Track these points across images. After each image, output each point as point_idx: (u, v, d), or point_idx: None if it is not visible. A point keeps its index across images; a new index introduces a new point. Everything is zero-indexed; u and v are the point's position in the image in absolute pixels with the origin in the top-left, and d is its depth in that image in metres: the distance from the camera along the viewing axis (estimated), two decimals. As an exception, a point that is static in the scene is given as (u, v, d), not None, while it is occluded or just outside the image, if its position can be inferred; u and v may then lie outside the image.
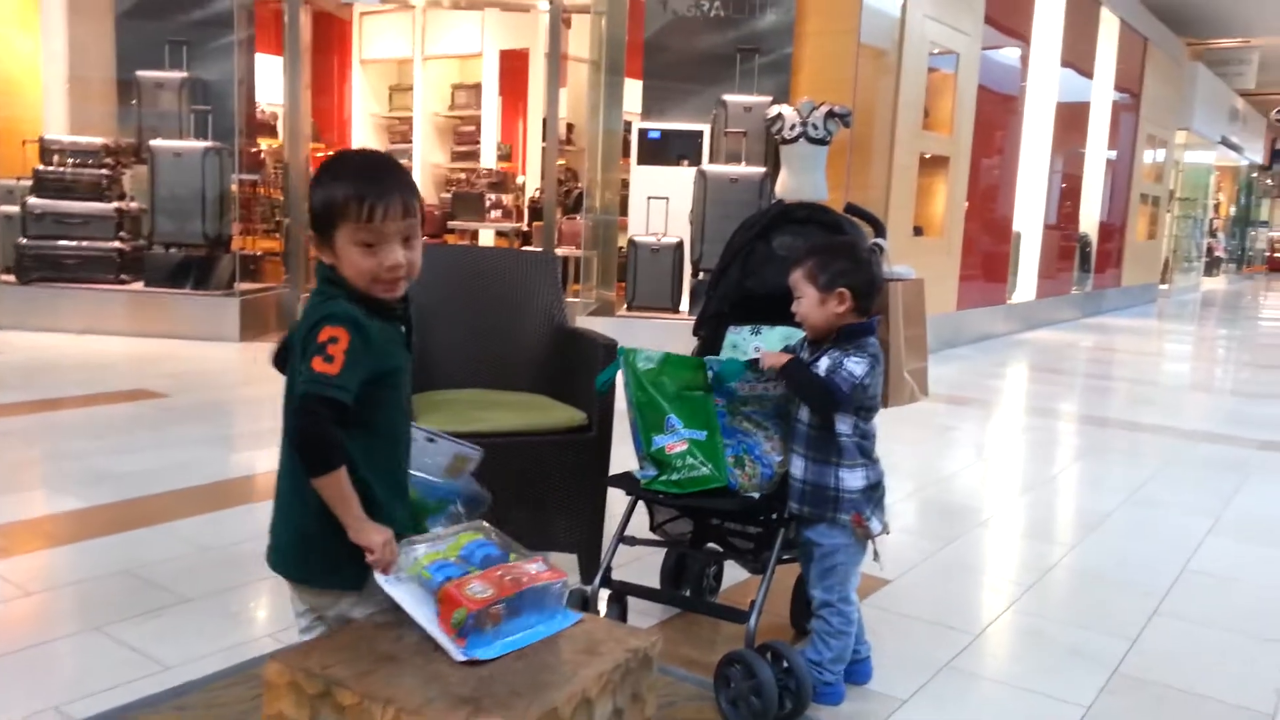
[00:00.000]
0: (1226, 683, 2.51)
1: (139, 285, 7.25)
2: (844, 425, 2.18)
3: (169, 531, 3.19)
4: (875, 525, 2.18)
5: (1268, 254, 30.55)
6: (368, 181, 1.54)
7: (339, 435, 1.53)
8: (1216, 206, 23.43)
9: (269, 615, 2.66)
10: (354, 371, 1.52)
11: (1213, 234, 22.89)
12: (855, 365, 2.13)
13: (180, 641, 2.42)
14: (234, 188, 7.36)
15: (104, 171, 7.29)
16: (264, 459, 4.26)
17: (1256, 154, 24.24)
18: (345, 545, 1.56)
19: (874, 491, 2.21)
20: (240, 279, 7.33)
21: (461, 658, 1.49)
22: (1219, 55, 17.55)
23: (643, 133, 7.36)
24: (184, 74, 7.32)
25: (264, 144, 8.93)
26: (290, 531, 1.66)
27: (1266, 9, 14.57)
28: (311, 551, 1.63)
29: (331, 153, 1.90)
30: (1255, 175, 27.07)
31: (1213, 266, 22.98)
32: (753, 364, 2.24)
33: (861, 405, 2.18)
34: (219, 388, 5.64)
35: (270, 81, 8.62)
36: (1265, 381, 8.18)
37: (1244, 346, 11.00)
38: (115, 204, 7.30)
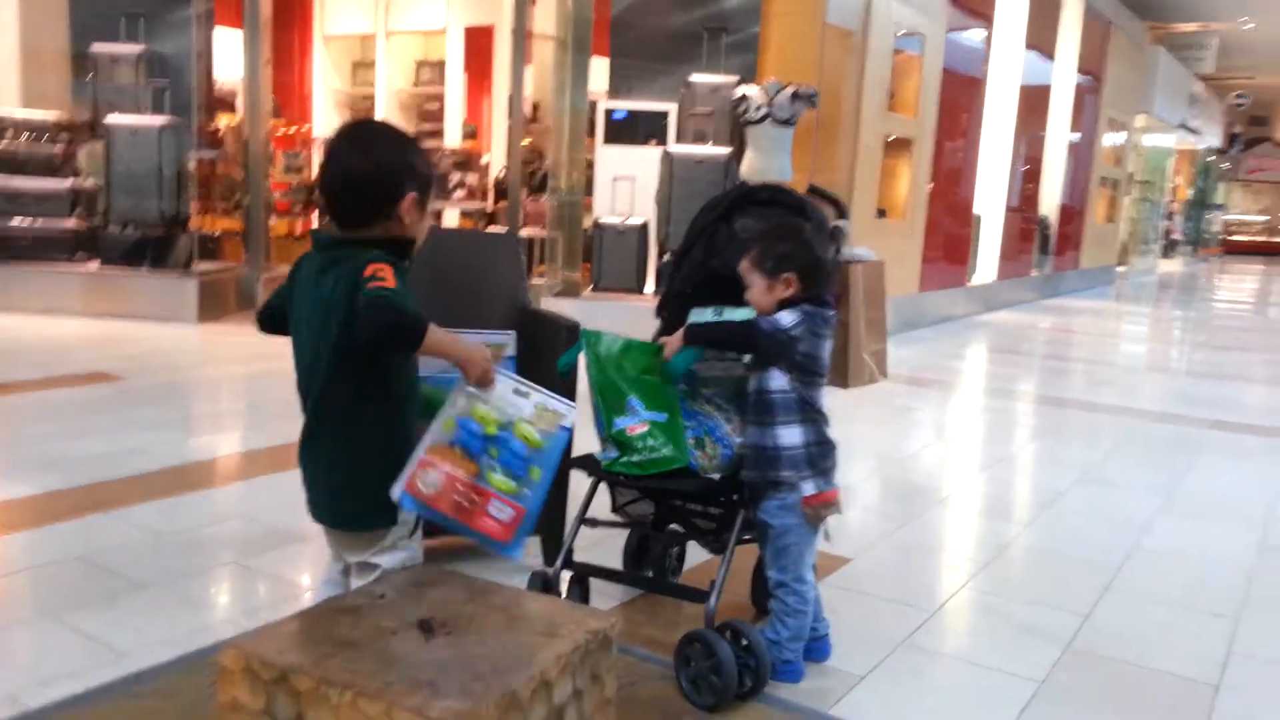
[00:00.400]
0: (1175, 656, 2.57)
1: (94, 265, 7.12)
2: (779, 381, 2.20)
3: (124, 517, 3.15)
4: (810, 487, 2.20)
5: (1222, 237, 31.07)
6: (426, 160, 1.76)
7: (413, 304, 1.64)
8: (1174, 190, 23.76)
9: (227, 601, 2.65)
10: (406, 292, 1.64)
11: (1170, 217, 23.22)
12: (783, 315, 2.18)
13: (135, 628, 2.39)
14: (192, 165, 7.23)
15: (57, 148, 7.13)
16: (224, 442, 4.22)
17: (1214, 138, 24.60)
18: (385, 485, 1.70)
19: (815, 449, 2.22)
20: (199, 258, 7.21)
21: (395, 494, 1.69)
22: (1180, 39, 17.75)
23: (609, 113, 7.33)
24: (141, 47, 7.17)
25: (223, 120, 8.77)
26: (338, 480, 1.77)
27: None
28: (360, 495, 1.75)
29: (365, 121, 2.14)
30: (1212, 159, 27.48)
31: (1169, 249, 23.33)
32: (695, 342, 2.26)
33: (795, 363, 2.19)
34: (177, 369, 5.56)
35: (230, 56, 8.46)
36: (1218, 362, 8.34)
37: (1198, 328, 11.21)
38: (69, 181, 7.15)
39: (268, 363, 5.77)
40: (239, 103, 8.82)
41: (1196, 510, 3.90)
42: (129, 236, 7.07)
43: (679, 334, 2.26)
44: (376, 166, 1.68)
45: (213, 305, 7.19)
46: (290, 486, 3.52)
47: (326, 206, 1.72)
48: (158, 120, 7.00)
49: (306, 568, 2.85)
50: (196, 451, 4.02)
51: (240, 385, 5.30)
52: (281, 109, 10.52)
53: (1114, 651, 2.58)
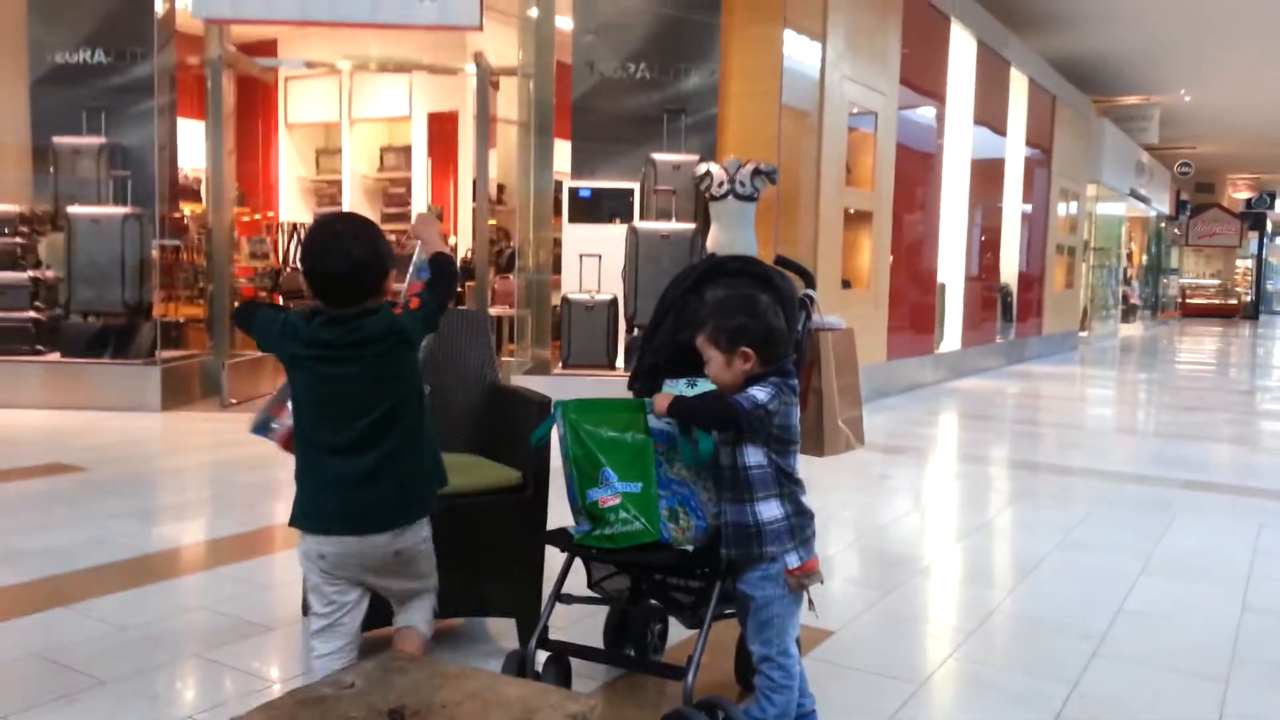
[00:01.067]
0: (1166, 721, 2.52)
1: (55, 356, 7.01)
2: (756, 456, 2.17)
3: (85, 611, 3.03)
4: (794, 559, 2.16)
5: (1180, 300, 31.78)
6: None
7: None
8: (1129, 255, 24.33)
9: (191, 696, 2.53)
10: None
11: (1127, 282, 23.73)
12: (758, 391, 2.15)
13: (93, 728, 2.28)
14: (155, 254, 7.19)
15: (18, 240, 7.08)
16: (188, 531, 4.11)
17: (1163, 205, 25.32)
18: (435, 476, 2.16)
19: (796, 520, 2.19)
20: (162, 347, 7.13)
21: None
22: (1124, 112, 18.39)
23: (574, 191, 7.40)
24: (102, 140, 7.18)
25: (187, 209, 8.77)
26: (401, 478, 2.07)
27: (1164, 69, 15.37)
28: (423, 487, 2.13)
29: (349, 214, 2.28)
30: (1164, 225, 28.25)
31: (1129, 313, 23.78)
32: (679, 416, 2.24)
33: (771, 435, 2.17)
34: (140, 459, 5.44)
35: (194, 146, 8.50)
36: (1185, 423, 8.43)
37: (1164, 389, 11.36)
38: (30, 273, 7.08)
39: (231, 450, 5.67)
40: (203, 192, 8.84)
41: (1176, 571, 3.88)
42: (91, 326, 6.99)
43: (667, 396, 2.24)
44: (373, 254, 2.01)
45: (176, 393, 7.08)
46: (256, 575, 3.45)
47: (329, 288, 1.99)
48: (120, 210, 6.98)
49: (274, 659, 2.75)
50: (160, 541, 3.90)
51: (205, 474, 5.19)
52: (246, 197, 10.55)
53: (1105, 718, 2.52)
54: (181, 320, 7.90)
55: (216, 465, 5.34)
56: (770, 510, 2.17)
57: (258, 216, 10.75)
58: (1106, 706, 2.59)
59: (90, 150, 7.17)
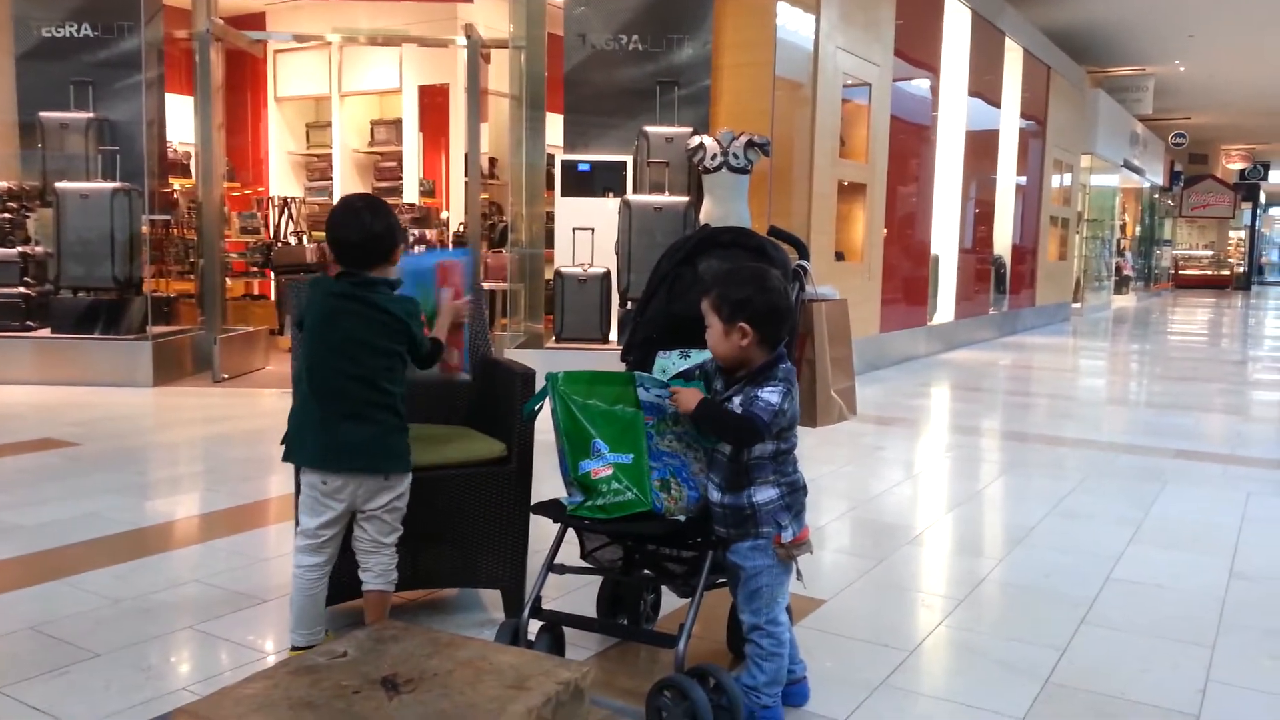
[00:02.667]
0: (1154, 687, 2.55)
1: (46, 331, 6.99)
2: (765, 446, 2.17)
3: (77, 584, 3.04)
4: (788, 534, 2.17)
5: (1173, 271, 31.82)
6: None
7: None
8: (1123, 227, 24.33)
9: (184, 668, 2.54)
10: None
11: (1121, 253, 23.74)
12: (770, 394, 2.13)
13: (88, 699, 2.29)
14: (145, 229, 7.15)
15: (6, 216, 7.03)
16: (180, 505, 4.11)
17: (1157, 176, 25.31)
18: (406, 439, 2.42)
19: (791, 497, 2.21)
20: (153, 322, 7.11)
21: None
22: (1118, 82, 18.32)
23: (570, 165, 7.37)
24: (90, 114, 7.13)
25: (177, 184, 8.71)
26: (380, 433, 2.36)
27: (1159, 38, 15.30)
28: (397, 444, 2.40)
29: (368, 195, 2.82)
30: (1157, 196, 28.23)
31: (1122, 285, 23.81)
32: (703, 419, 2.22)
33: (780, 426, 2.17)
34: (131, 435, 5.43)
35: (183, 121, 8.43)
36: (1177, 393, 8.46)
37: (1155, 360, 11.39)
38: (19, 249, 7.04)
39: (224, 425, 5.66)
40: (193, 166, 8.79)
41: (1165, 539, 3.91)
42: (81, 302, 6.96)
43: (694, 394, 2.19)
44: (387, 228, 2.40)
45: (168, 369, 7.07)
46: (249, 548, 3.46)
47: (349, 252, 2.38)
48: (109, 186, 6.93)
49: (268, 631, 2.76)
50: (152, 515, 3.91)
51: (196, 448, 5.19)
52: (236, 171, 10.49)
53: (1093, 685, 2.55)
54: (173, 295, 7.87)
55: (209, 440, 5.34)
56: (766, 493, 2.17)
57: (248, 191, 10.69)
58: (1094, 673, 2.62)
59: (78, 125, 7.11)
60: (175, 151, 9.12)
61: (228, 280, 8.85)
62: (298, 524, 2.47)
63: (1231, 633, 2.93)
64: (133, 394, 6.56)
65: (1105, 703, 2.45)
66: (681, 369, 2.43)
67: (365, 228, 2.37)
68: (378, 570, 2.43)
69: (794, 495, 2.21)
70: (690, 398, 2.19)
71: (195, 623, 2.79)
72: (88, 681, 2.40)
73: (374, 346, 2.35)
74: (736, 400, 2.16)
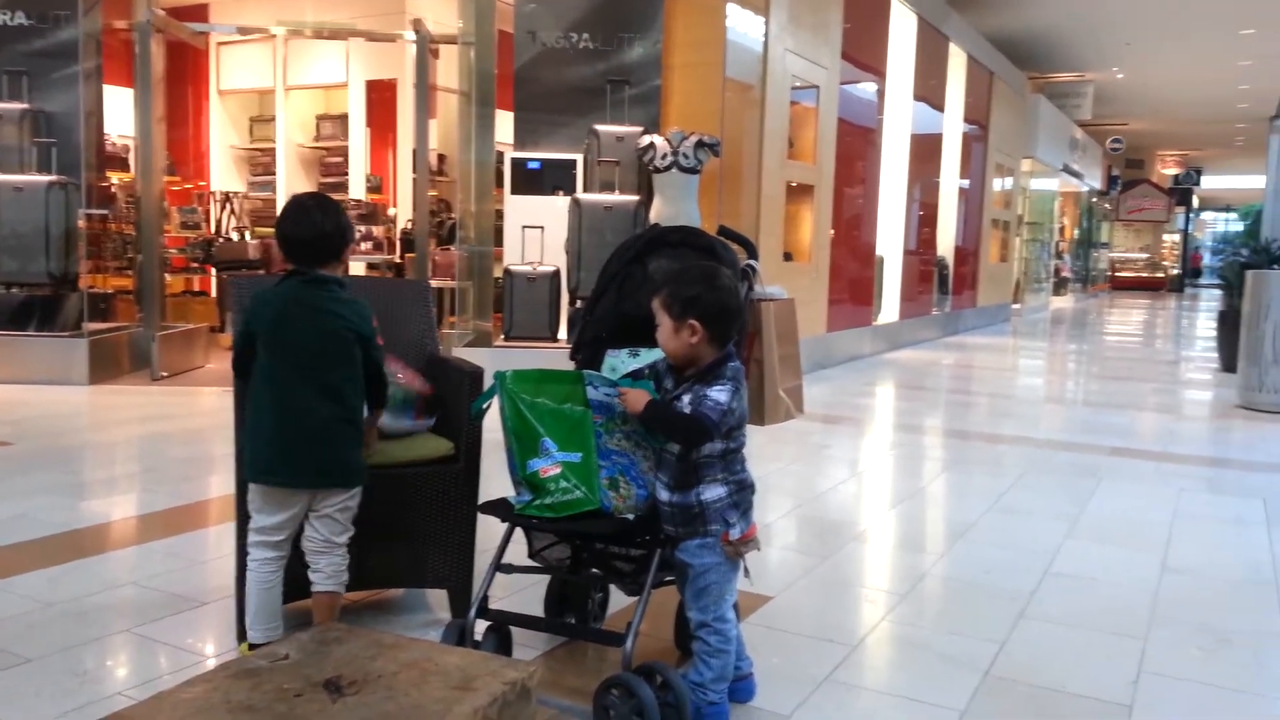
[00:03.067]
0: (1089, 678, 2.61)
1: (-23, 328, 6.79)
2: (714, 445, 2.19)
3: (9, 587, 2.95)
4: (736, 531, 2.19)
5: (1110, 273, 32.60)
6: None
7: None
8: (1062, 230, 24.86)
9: (121, 672, 2.49)
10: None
11: (1059, 256, 24.27)
12: (719, 393, 2.14)
13: (20, 706, 2.23)
14: (82, 223, 6.97)
15: (-66, 208, 6.81)
16: (117, 506, 4.02)
17: (1095, 180, 25.90)
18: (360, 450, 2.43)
19: (739, 495, 2.22)
20: (89, 319, 6.93)
21: None
22: (1058, 88, 18.72)
23: (520, 163, 7.33)
24: (25, 105, 6.92)
25: (115, 178, 8.51)
26: (341, 450, 2.37)
27: (1098, 46, 15.67)
28: (355, 459, 2.41)
29: (319, 194, 2.75)
30: (1095, 200, 28.90)
31: (1060, 286, 24.34)
32: (651, 419, 2.22)
33: (729, 425, 2.19)
34: (66, 434, 5.30)
35: (122, 113, 8.24)
36: (1113, 392, 8.67)
37: (1092, 360, 11.66)
38: (-52, 242, 6.83)
39: (162, 424, 5.55)
40: (131, 160, 8.58)
41: (1101, 535, 4.01)
42: (14, 298, 6.77)
43: (641, 395, 2.19)
44: (337, 226, 2.41)
45: (105, 366, 6.90)
46: (188, 550, 3.39)
47: (298, 251, 2.38)
48: (44, 179, 6.75)
49: (207, 634, 2.71)
50: (88, 517, 3.81)
51: (134, 447, 5.08)
52: (176, 165, 10.27)
53: (1031, 677, 2.61)
54: (110, 291, 7.69)
55: (146, 439, 5.22)
56: (714, 491, 2.19)
57: (188, 186, 10.47)
58: (1032, 666, 2.68)
59: (11, 116, 6.91)
60: (114, 144, 8.90)
61: (167, 276, 8.67)
62: (249, 521, 2.43)
63: (1163, 625, 3.01)
64: (68, 392, 6.40)
65: (1042, 695, 2.51)
66: (631, 368, 2.43)
67: (316, 226, 2.39)
68: (329, 571, 2.41)
69: (742, 493, 2.23)
70: (638, 399, 2.19)
71: (132, 626, 2.73)
72: (19, 688, 2.33)
73: (331, 357, 2.35)
74: (686, 399, 2.17)
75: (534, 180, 7.31)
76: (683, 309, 2.16)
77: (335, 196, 10.39)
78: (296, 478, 2.34)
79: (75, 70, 7.06)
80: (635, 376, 2.34)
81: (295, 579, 2.47)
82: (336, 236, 2.41)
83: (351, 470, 2.40)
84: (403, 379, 2.71)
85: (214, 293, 9.74)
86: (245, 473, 2.39)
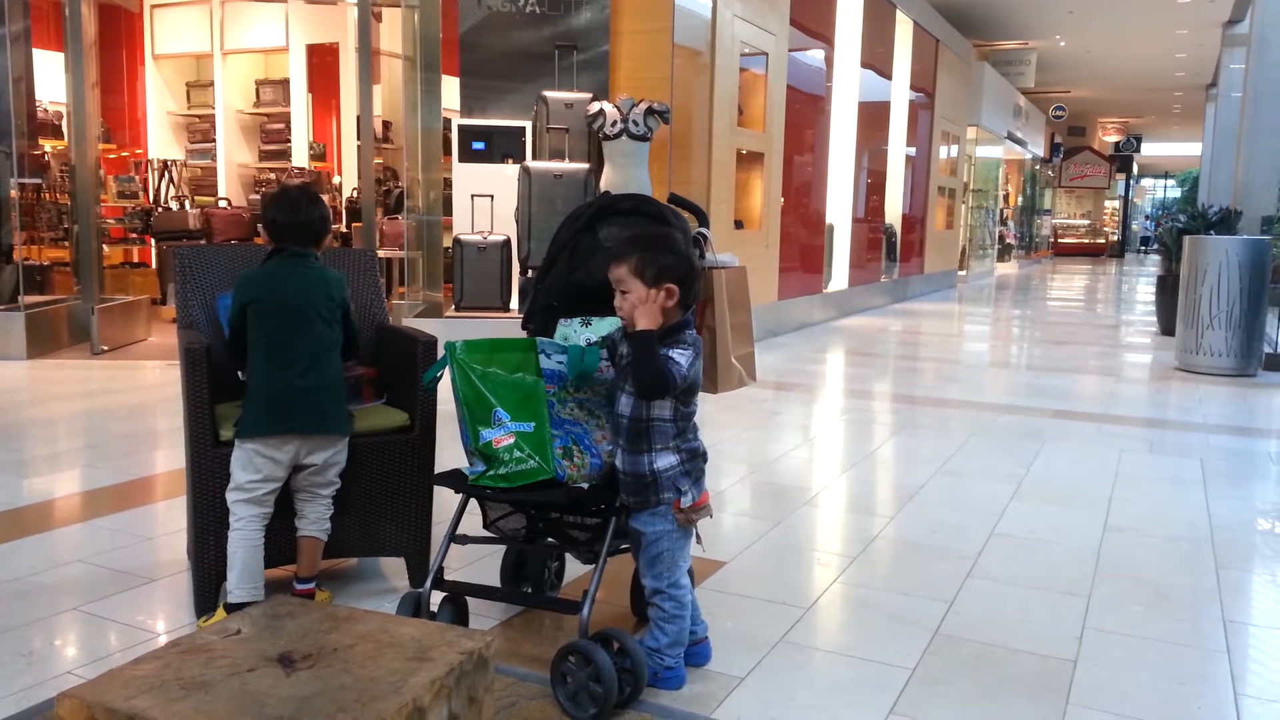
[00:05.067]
0: (1035, 635, 2.68)
1: (-95, 302, 6.56)
2: (665, 410, 2.19)
3: (-53, 569, 2.88)
4: (687, 499, 2.20)
5: (1052, 240, 33.18)
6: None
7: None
8: (1006, 197, 25.22)
9: (70, 652, 2.44)
10: None
11: (1004, 222, 24.62)
12: (680, 357, 2.15)
13: (-37, 688, 2.18)
14: (14, 193, 6.75)
15: None
16: (60, 482, 3.93)
17: (1038, 148, 26.27)
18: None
19: (691, 463, 2.23)
20: (25, 292, 6.74)
21: None
22: (1002, 56, 18.90)
23: (464, 134, 7.22)
24: (-53, 70, 6.67)
25: (48, 146, 8.25)
26: (333, 401, 2.57)
27: (1041, 13, 15.81)
28: (344, 410, 2.62)
29: (305, 185, 3.21)
30: (1038, 167, 29.33)
31: (1005, 253, 24.72)
32: (601, 342, 2.24)
33: (682, 389, 2.20)
34: (6, 410, 5.15)
35: (54, 79, 7.96)
36: (1055, 356, 8.85)
37: (1035, 325, 11.88)
38: None
39: (105, 398, 5.42)
40: (64, 127, 8.32)
41: (1045, 495, 4.11)
42: (-57, 271, 6.55)
43: (651, 315, 2.15)
44: (320, 215, 2.65)
45: (42, 340, 6.73)
46: (135, 526, 3.33)
47: (288, 233, 2.59)
48: (-29, 146, 6.52)
49: (157, 610, 2.67)
50: (30, 495, 3.72)
51: (77, 423, 4.96)
52: (112, 133, 9.98)
53: (979, 635, 2.67)
54: (46, 264, 7.48)
55: (89, 414, 5.10)
56: (665, 459, 2.20)
57: (125, 154, 10.18)
58: (980, 623, 2.74)
59: (-67, 81, 6.65)
60: (45, 111, 8.62)
61: (105, 247, 8.44)
62: (229, 483, 2.52)
63: (1106, 582, 3.10)
64: (5, 367, 6.22)
65: (990, 651, 2.57)
66: (584, 338, 2.43)
67: (302, 214, 2.61)
68: (313, 518, 2.60)
69: (693, 461, 2.24)
70: (648, 316, 2.15)
71: (80, 604, 2.68)
72: (-38, 669, 2.28)
73: (321, 318, 2.56)
74: None
75: (482, 149, 7.22)
76: (658, 275, 2.16)
77: (277, 164, 10.24)
78: (295, 425, 2.49)
79: (1, 33, 6.81)
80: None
81: (275, 541, 2.59)
82: (320, 224, 2.65)
83: (342, 419, 2.59)
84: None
85: (154, 264, 9.51)
86: (239, 433, 2.50)
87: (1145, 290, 17.76)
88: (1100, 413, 6.05)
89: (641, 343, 2.15)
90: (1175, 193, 38.21)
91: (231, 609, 2.42)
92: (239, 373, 2.61)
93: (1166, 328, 9.78)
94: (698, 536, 2.29)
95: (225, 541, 2.51)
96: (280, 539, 2.61)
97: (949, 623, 2.74)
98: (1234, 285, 7.47)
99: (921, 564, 3.24)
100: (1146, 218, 37.24)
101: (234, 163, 10.31)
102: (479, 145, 7.17)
